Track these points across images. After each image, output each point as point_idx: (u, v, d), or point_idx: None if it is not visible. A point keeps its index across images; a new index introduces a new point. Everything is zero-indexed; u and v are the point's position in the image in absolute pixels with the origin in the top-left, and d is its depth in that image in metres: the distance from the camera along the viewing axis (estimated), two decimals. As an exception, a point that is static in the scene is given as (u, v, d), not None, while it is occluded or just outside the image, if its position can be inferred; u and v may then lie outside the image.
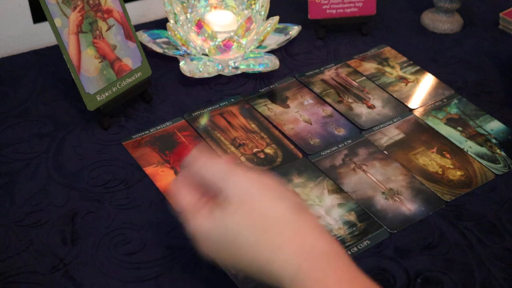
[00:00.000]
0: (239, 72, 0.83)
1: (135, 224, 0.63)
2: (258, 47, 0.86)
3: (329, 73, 0.86)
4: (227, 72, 0.83)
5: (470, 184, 0.70)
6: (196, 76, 0.81)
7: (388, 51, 0.92)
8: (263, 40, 0.85)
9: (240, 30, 0.82)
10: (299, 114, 0.79)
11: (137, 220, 0.64)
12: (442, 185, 0.70)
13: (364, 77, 0.86)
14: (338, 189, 0.68)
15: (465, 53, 0.93)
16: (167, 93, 0.81)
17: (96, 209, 0.65)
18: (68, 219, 0.63)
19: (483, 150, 0.75)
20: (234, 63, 0.83)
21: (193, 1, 0.87)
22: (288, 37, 0.90)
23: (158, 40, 0.86)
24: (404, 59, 0.90)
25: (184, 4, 0.85)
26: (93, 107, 0.72)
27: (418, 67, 0.89)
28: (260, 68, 0.83)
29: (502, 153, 0.75)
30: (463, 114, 0.80)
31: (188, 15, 0.86)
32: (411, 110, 0.81)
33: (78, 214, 0.64)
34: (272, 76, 0.85)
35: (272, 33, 0.88)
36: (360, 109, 0.80)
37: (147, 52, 0.82)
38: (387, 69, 0.88)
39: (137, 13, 0.96)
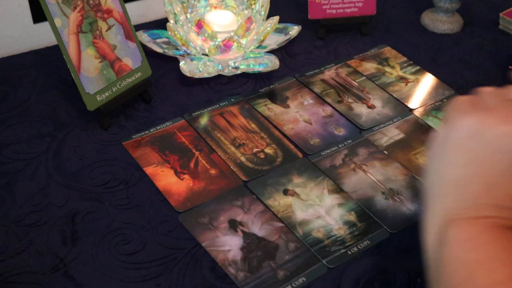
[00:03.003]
0: (239, 72, 0.83)
1: (135, 224, 0.63)
2: (258, 47, 0.86)
3: (329, 73, 0.86)
4: (227, 72, 0.83)
5: (470, 184, 0.70)
6: (196, 76, 0.81)
7: (388, 51, 0.92)
8: (263, 40, 0.85)
9: (240, 30, 0.82)
10: (299, 114, 0.79)
11: (137, 220, 0.64)
12: (442, 185, 0.70)
13: (364, 77, 0.86)
14: (338, 189, 0.68)
15: (465, 53, 0.93)
16: (167, 93, 0.81)
17: (96, 209, 0.65)
18: (68, 219, 0.63)
19: (483, 150, 0.75)
20: (234, 63, 0.83)
21: (193, 1, 0.87)
22: (288, 37, 0.90)
23: (158, 40, 0.86)
24: (404, 59, 0.90)
25: (184, 4, 0.85)
26: (93, 107, 0.72)
27: (418, 67, 0.89)
28: (260, 68, 0.83)
29: (502, 153, 0.75)
30: (463, 114, 0.80)
31: (188, 15, 0.86)
32: (411, 110, 0.81)
33: (78, 214, 0.64)
34: (272, 76, 0.85)
35: (272, 33, 0.88)
36: (360, 109, 0.80)
37: (147, 52, 0.82)
38: (387, 69, 0.88)
39: (137, 13, 0.96)
